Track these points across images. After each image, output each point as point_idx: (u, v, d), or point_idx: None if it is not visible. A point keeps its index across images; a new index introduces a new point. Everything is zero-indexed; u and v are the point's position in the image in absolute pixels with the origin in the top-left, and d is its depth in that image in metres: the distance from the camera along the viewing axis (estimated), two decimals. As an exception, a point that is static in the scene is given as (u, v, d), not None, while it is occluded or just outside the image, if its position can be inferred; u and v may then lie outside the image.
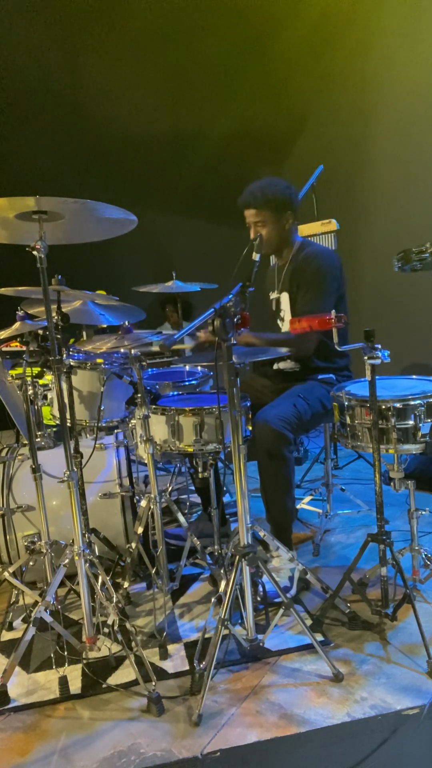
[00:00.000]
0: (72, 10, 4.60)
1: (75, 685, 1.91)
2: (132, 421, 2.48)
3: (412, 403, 1.97)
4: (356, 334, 1.99)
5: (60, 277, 1.98)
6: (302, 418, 2.40)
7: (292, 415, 2.35)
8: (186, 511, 3.15)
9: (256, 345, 2.47)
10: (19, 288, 2.31)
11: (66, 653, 1.99)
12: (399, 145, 4.29)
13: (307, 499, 3.10)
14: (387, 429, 1.98)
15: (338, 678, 1.85)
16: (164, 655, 2.03)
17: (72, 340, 3.60)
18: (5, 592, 2.44)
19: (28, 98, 5.00)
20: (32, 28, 4.66)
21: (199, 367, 3.08)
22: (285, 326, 2.71)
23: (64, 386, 2.03)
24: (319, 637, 2.04)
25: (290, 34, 4.70)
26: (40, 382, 2.81)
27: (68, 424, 1.98)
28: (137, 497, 2.64)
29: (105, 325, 2.70)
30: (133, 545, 2.35)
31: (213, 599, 2.11)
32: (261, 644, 1.97)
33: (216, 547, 2.43)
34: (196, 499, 3.19)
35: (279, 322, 2.75)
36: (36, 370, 2.46)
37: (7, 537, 2.41)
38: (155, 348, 2.27)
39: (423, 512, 2.13)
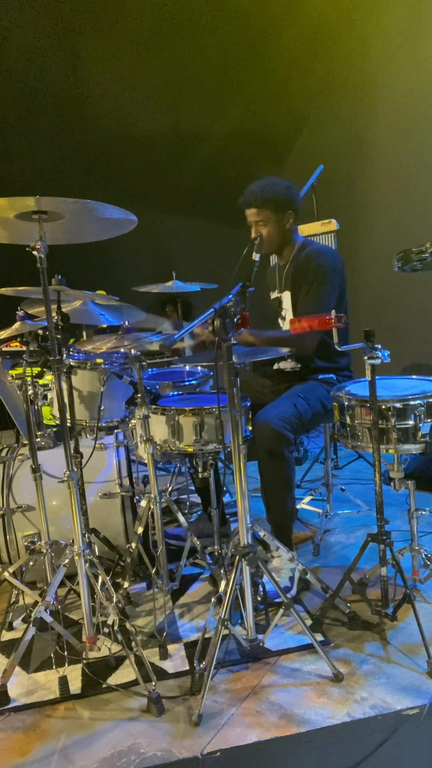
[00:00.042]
0: (72, 10, 4.60)
1: (75, 685, 1.91)
2: (132, 421, 2.48)
3: (412, 403, 1.97)
4: (356, 334, 1.99)
5: (60, 277, 1.98)
6: (302, 418, 2.40)
7: (292, 415, 2.35)
8: (186, 511, 3.15)
9: (256, 343, 2.47)
10: (19, 288, 2.31)
11: (66, 653, 1.99)
12: (399, 145, 4.29)
13: (307, 499, 3.10)
14: (387, 429, 1.98)
15: (338, 678, 1.85)
16: (164, 655, 2.03)
17: (72, 340, 3.60)
18: (5, 592, 2.44)
19: (28, 98, 4.99)
20: (32, 28, 4.66)
21: (199, 367, 3.08)
22: (287, 325, 2.71)
23: (64, 386, 2.03)
24: (319, 637, 2.04)
25: (290, 34, 4.69)
26: (40, 382, 2.81)
27: (68, 424, 1.98)
28: (137, 497, 2.64)
29: (105, 325, 2.70)
30: (133, 545, 2.35)
31: (213, 599, 2.11)
32: (261, 644, 1.97)
33: (216, 547, 2.43)
34: (196, 499, 3.18)
35: (281, 321, 2.75)
36: (36, 370, 2.46)
37: (7, 537, 2.41)
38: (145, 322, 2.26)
39: (423, 512, 2.13)
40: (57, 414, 2.32)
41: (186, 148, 5.37)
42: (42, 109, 5.04)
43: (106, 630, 1.99)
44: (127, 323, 2.37)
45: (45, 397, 2.73)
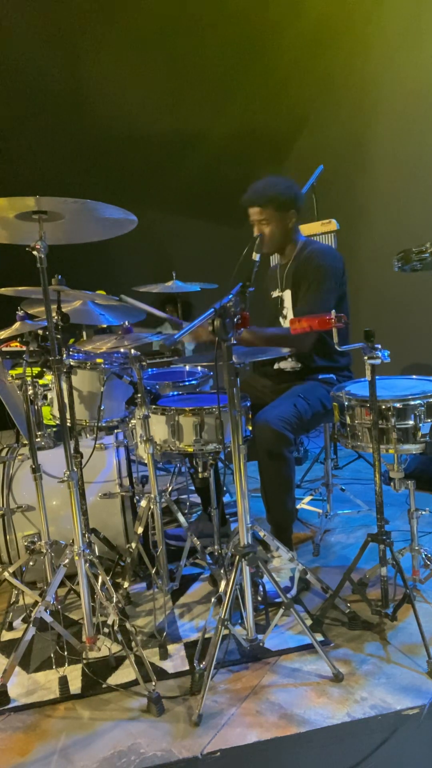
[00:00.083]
0: (72, 9, 4.61)
1: (75, 685, 1.91)
2: (132, 421, 2.48)
3: (412, 403, 1.97)
4: (356, 334, 1.99)
5: (60, 277, 1.98)
6: (302, 418, 2.40)
7: (292, 416, 2.35)
8: (186, 511, 3.15)
9: (253, 341, 2.47)
10: (19, 288, 2.31)
11: (66, 653, 1.98)
12: (399, 145, 4.29)
13: (307, 499, 3.10)
14: (387, 429, 1.98)
15: (338, 678, 1.85)
16: (164, 655, 2.03)
17: (72, 340, 3.60)
18: (5, 592, 2.44)
19: (28, 98, 4.99)
20: (32, 28, 4.66)
21: (199, 367, 3.08)
22: (287, 325, 2.71)
23: (64, 386, 2.03)
24: (319, 637, 2.04)
25: (290, 34, 4.70)
26: (40, 382, 2.81)
27: (68, 424, 1.98)
28: (137, 497, 2.64)
29: (105, 325, 2.70)
30: (133, 545, 2.35)
31: (213, 599, 2.11)
32: (261, 644, 1.97)
33: (216, 547, 2.43)
34: (196, 499, 3.18)
35: (282, 320, 2.75)
36: (36, 370, 2.45)
37: (7, 537, 2.41)
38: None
39: (423, 512, 2.13)
40: (57, 414, 2.31)
41: (186, 148, 5.37)
42: (42, 109, 5.04)
43: (106, 630, 1.99)
44: (127, 323, 2.37)
45: (45, 397, 2.73)
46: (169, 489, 3.43)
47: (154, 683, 1.82)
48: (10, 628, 2.26)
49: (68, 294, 2.12)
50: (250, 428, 2.35)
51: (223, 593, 1.89)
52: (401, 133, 4.24)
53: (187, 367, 3.11)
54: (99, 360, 2.49)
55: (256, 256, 2.11)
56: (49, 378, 2.81)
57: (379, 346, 1.90)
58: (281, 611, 1.96)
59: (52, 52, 4.85)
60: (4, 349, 2.92)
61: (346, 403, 2.08)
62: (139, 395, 2.25)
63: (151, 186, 5.42)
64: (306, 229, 3.85)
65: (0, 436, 4.22)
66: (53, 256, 1.85)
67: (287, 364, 2.60)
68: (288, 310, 2.70)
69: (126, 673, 1.94)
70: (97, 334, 3.03)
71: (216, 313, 1.80)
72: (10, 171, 4.87)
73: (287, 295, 2.69)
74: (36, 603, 2.14)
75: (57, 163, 5.06)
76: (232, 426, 1.88)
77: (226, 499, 3.21)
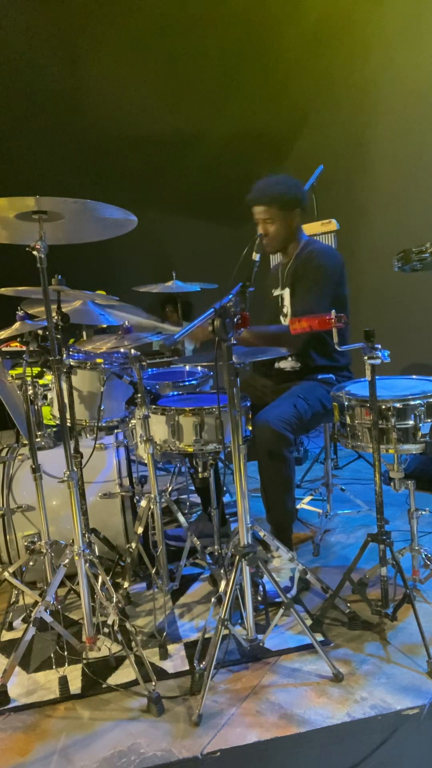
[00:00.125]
0: (72, 9, 4.60)
1: (75, 685, 1.91)
2: (132, 421, 2.48)
3: (412, 403, 1.97)
4: (356, 334, 1.99)
5: (60, 277, 1.98)
6: (302, 418, 2.40)
7: (292, 416, 2.35)
8: (186, 511, 3.15)
9: (247, 339, 2.46)
10: (19, 288, 2.31)
11: (66, 653, 1.98)
12: (399, 145, 4.29)
13: (307, 499, 3.10)
14: (387, 429, 1.98)
15: (338, 678, 1.85)
16: (164, 655, 2.03)
17: (72, 340, 3.60)
18: (5, 592, 2.44)
19: (28, 98, 4.99)
20: (32, 28, 4.66)
21: (199, 367, 3.08)
22: (287, 323, 2.72)
23: (64, 386, 2.03)
24: (319, 637, 2.04)
25: (290, 34, 4.70)
26: (40, 382, 2.81)
27: (68, 424, 1.98)
28: (137, 497, 2.64)
29: (105, 325, 2.69)
30: (133, 545, 2.35)
31: (213, 599, 2.11)
32: (261, 644, 1.97)
33: (216, 547, 2.43)
34: (196, 499, 3.18)
35: (282, 318, 2.75)
36: (36, 370, 2.46)
37: (7, 537, 2.41)
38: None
39: (423, 512, 2.13)
40: (57, 414, 2.32)
41: (186, 148, 5.37)
42: (42, 109, 5.04)
43: (106, 630, 1.99)
44: (126, 323, 2.37)
45: (45, 397, 2.73)
46: (169, 489, 3.43)
47: (154, 683, 1.82)
48: (10, 628, 2.26)
49: (68, 294, 2.12)
50: (250, 428, 2.35)
51: (223, 593, 1.89)
52: (401, 133, 4.24)
53: (187, 367, 3.11)
54: (99, 360, 2.49)
55: (256, 256, 2.12)
56: (49, 378, 2.81)
57: (379, 346, 1.90)
58: (281, 611, 1.96)
59: (52, 52, 4.85)
60: (4, 349, 2.93)
61: (346, 403, 2.08)
62: (139, 395, 2.25)
63: (151, 186, 5.42)
64: (306, 229, 3.82)
65: (0, 436, 4.22)
66: (53, 256, 1.85)
67: (287, 364, 2.61)
68: (288, 308, 2.71)
69: (126, 673, 1.94)
70: (97, 334, 3.04)
71: (216, 313, 1.80)
72: (10, 171, 4.87)
73: (287, 294, 2.69)
74: (36, 603, 2.14)
75: (57, 163, 5.06)
76: (232, 426, 1.88)
77: (226, 499, 3.21)
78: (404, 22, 4.06)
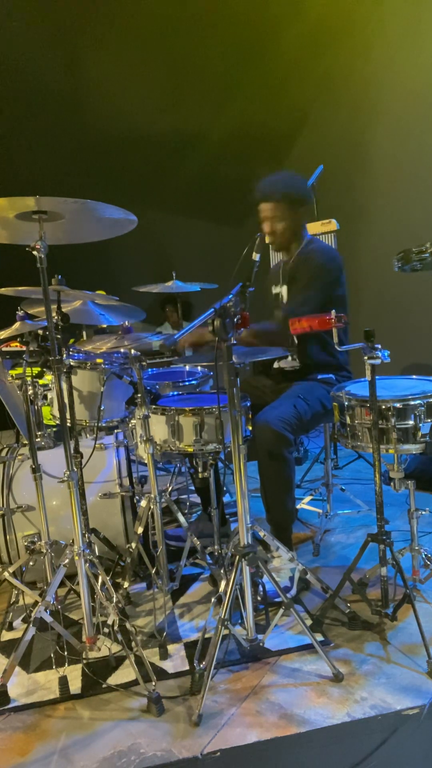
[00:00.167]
0: (72, 9, 4.60)
1: (75, 685, 1.91)
2: (132, 421, 2.48)
3: (412, 403, 1.97)
4: (356, 334, 1.99)
5: (60, 277, 1.98)
6: (302, 418, 2.40)
7: (292, 416, 2.35)
8: (186, 511, 3.15)
9: (242, 338, 2.46)
10: (19, 288, 2.31)
11: (66, 653, 1.99)
12: (399, 145, 4.29)
13: (307, 499, 3.10)
14: (387, 429, 1.98)
15: (338, 678, 1.85)
16: (164, 655, 2.03)
17: (72, 340, 3.60)
18: (5, 592, 2.44)
19: (28, 98, 4.99)
20: (32, 28, 4.65)
21: (199, 367, 3.08)
22: None
23: (64, 386, 2.03)
24: (319, 637, 2.04)
25: (290, 34, 4.69)
26: (40, 382, 2.81)
27: (68, 424, 1.98)
28: (137, 497, 2.64)
29: (105, 325, 2.70)
30: (133, 545, 2.35)
31: (213, 599, 2.11)
32: (261, 644, 1.97)
33: (216, 547, 2.43)
34: (196, 499, 3.18)
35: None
36: (36, 370, 2.46)
37: (7, 537, 2.41)
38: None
39: (423, 512, 2.13)
40: (57, 414, 2.32)
41: (186, 148, 5.36)
42: (42, 109, 5.04)
43: (106, 630, 1.99)
44: (126, 323, 2.37)
45: (45, 397, 2.73)
46: (169, 489, 3.43)
47: (154, 683, 1.82)
48: (10, 628, 2.26)
49: (68, 294, 2.12)
50: (250, 428, 2.35)
51: (223, 593, 1.89)
52: (401, 132, 4.24)
53: (187, 367, 3.11)
54: (99, 360, 2.49)
55: (256, 256, 2.11)
56: (49, 378, 2.81)
57: (379, 346, 1.90)
58: (281, 611, 1.96)
59: (52, 52, 4.84)
60: (4, 349, 2.93)
61: (346, 403, 2.08)
62: (139, 395, 2.25)
63: (151, 186, 5.42)
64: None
65: (0, 436, 4.22)
66: (53, 256, 1.86)
67: (287, 363, 2.61)
68: None
69: (126, 673, 1.94)
70: (97, 334, 3.04)
71: (216, 313, 1.80)
72: (10, 171, 4.87)
73: (285, 291, 2.70)
74: (36, 603, 2.14)
75: (57, 163, 5.05)
76: (232, 426, 1.88)
77: (226, 499, 3.21)
78: (404, 22, 4.06)
